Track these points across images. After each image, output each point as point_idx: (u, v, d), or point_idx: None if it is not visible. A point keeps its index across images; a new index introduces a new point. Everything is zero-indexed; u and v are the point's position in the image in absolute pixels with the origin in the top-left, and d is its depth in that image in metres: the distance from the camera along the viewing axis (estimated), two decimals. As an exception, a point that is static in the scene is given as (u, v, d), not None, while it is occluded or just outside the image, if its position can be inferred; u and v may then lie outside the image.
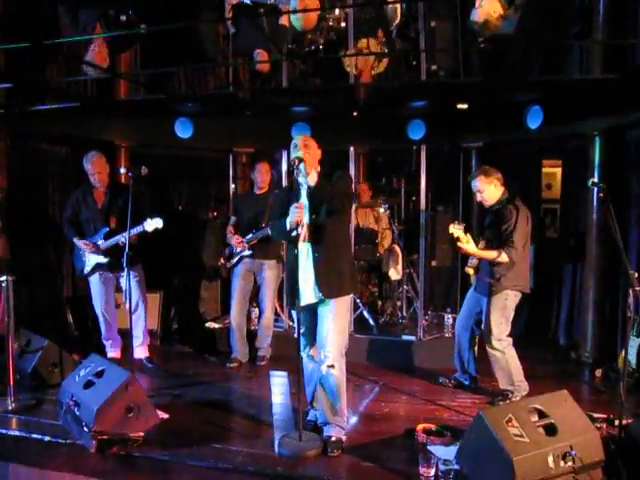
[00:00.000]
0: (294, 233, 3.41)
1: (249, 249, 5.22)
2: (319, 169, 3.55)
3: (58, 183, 6.06)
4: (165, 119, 5.11)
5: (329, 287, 3.49)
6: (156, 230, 4.70)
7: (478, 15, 4.10)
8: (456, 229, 4.17)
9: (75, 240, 4.98)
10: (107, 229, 4.91)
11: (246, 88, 5.34)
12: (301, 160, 3.37)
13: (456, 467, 3.10)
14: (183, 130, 5.16)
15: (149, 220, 4.67)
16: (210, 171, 6.92)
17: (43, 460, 3.51)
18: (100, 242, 4.92)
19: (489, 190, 4.28)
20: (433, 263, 6.19)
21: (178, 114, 5.10)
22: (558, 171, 6.52)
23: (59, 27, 5.53)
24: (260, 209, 5.19)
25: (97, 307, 5.06)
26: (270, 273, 5.29)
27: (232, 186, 6.52)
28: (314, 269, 3.47)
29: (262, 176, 5.31)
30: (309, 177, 3.40)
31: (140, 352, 5.15)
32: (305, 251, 3.48)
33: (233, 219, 5.46)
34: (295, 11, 4.67)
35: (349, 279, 3.60)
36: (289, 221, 3.39)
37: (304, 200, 3.47)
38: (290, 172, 3.53)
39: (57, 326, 5.71)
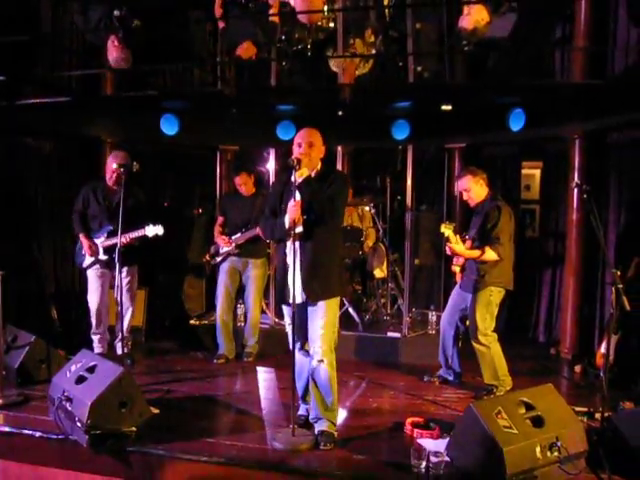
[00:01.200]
0: (297, 231, 3.40)
1: (236, 248, 5.24)
2: (319, 167, 3.57)
3: (41, 178, 5.98)
4: (151, 116, 5.10)
5: (314, 292, 3.49)
6: (156, 237, 4.73)
7: (467, 22, 4.17)
8: (447, 228, 4.29)
9: (81, 236, 4.96)
10: (111, 228, 4.88)
11: (232, 85, 5.35)
12: (299, 161, 3.40)
13: (447, 459, 3.17)
14: (169, 127, 5.16)
15: (151, 226, 4.71)
16: (195, 168, 6.90)
17: (34, 456, 3.49)
18: (102, 239, 4.93)
19: (475, 189, 4.40)
20: (416, 261, 6.29)
21: (164, 111, 5.09)
22: (537, 172, 6.66)
23: (40, 19, 5.49)
24: (247, 209, 5.22)
25: (92, 301, 5.02)
26: (256, 272, 5.31)
27: (218, 183, 6.52)
28: (301, 272, 3.48)
29: (243, 187, 5.30)
30: (298, 172, 3.42)
31: (121, 348, 5.11)
32: (295, 251, 3.47)
33: (220, 219, 5.46)
34: (285, 12, 4.71)
35: (337, 283, 3.61)
36: (288, 219, 3.41)
37: (299, 198, 3.47)
38: (285, 169, 3.54)
39: (41, 322, 5.63)
